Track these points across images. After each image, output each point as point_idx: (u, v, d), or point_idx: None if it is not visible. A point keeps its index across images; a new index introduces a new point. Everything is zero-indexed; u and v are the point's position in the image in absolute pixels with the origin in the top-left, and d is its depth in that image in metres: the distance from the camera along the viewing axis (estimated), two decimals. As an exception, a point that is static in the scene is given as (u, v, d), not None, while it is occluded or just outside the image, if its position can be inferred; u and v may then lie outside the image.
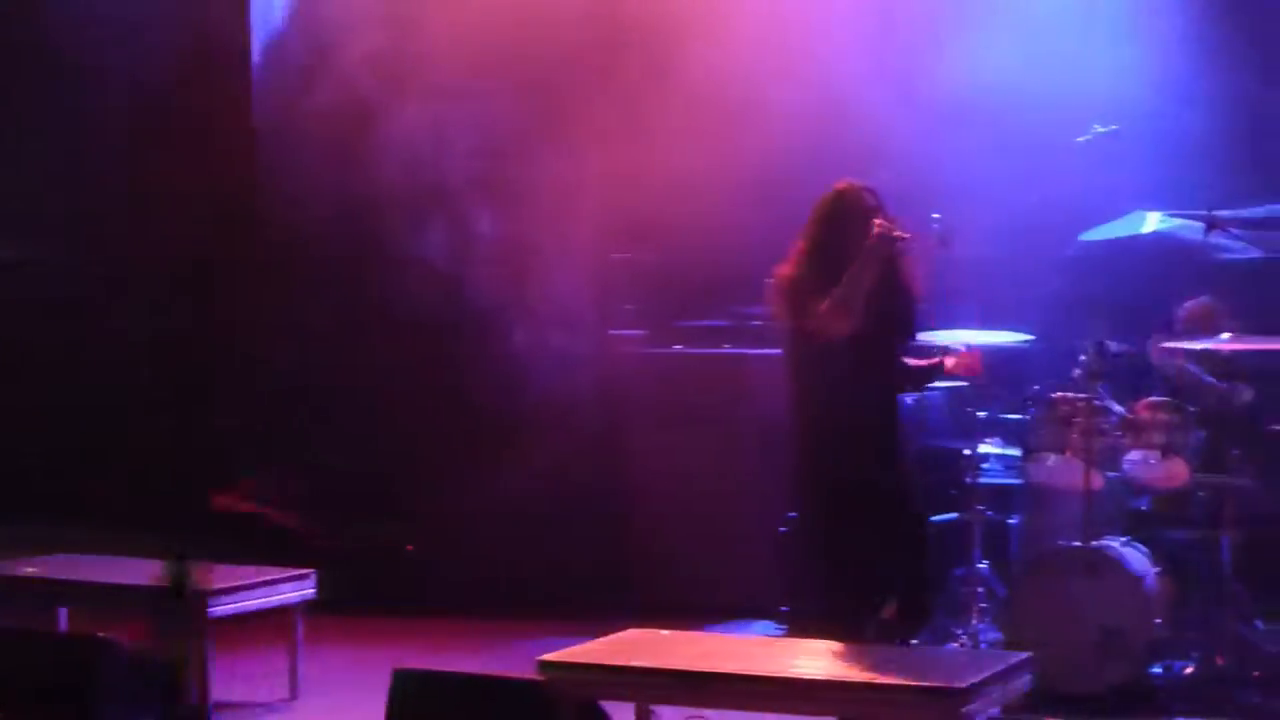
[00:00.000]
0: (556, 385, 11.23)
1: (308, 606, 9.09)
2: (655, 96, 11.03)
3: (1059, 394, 9.25)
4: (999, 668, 6.39)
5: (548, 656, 6.61)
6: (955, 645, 8.96)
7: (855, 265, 7.34)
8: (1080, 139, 9.91)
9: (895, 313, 7.52)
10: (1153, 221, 11.04)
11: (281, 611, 8.99)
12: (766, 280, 7.81)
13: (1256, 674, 8.92)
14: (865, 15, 10.91)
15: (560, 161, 11.29)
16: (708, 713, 6.86)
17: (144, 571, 8.29)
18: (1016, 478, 9.68)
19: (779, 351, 11.21)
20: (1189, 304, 9.72)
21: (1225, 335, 9.07)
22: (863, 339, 7.35)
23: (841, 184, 7.64)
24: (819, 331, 7.36)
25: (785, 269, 7.61)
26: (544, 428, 11.23)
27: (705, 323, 11.76)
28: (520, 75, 11.35)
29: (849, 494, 7.47)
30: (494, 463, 11.27)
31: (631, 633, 7.09)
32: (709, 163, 10.68)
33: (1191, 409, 9.21)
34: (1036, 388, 9.40)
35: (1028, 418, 9.36)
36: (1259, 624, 9.25)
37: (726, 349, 11.55)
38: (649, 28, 11.23)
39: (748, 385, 11.32)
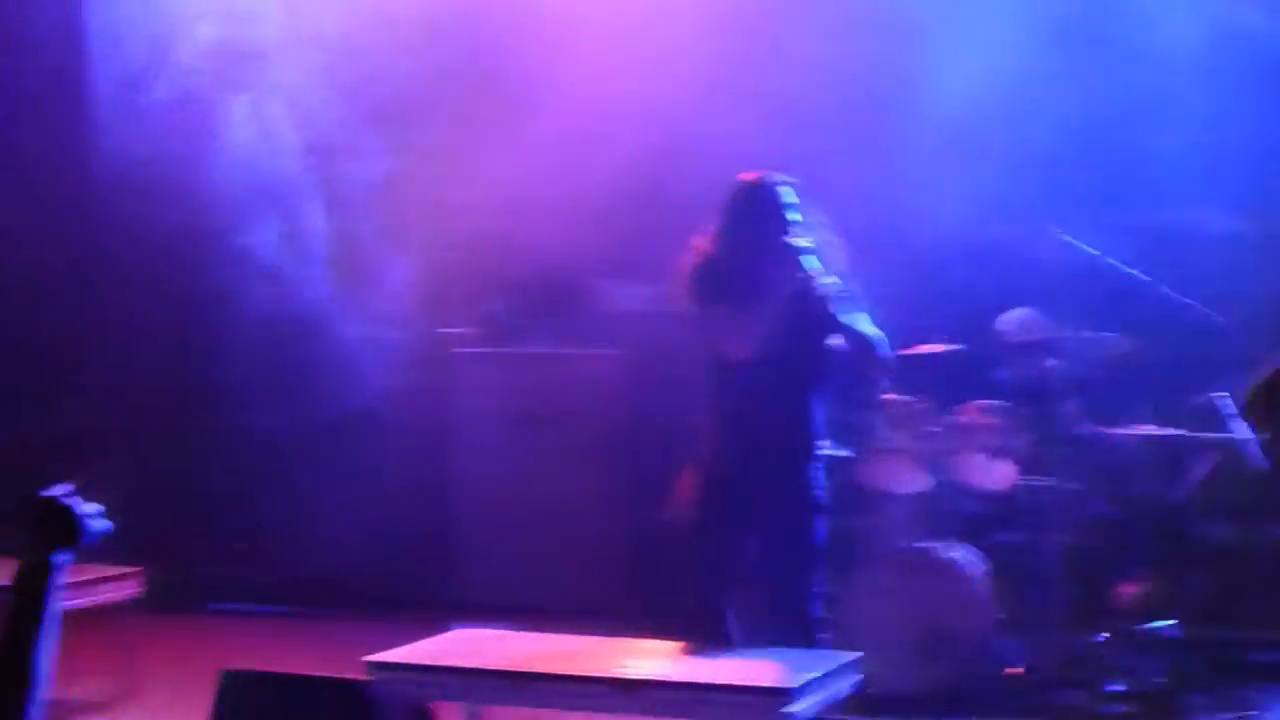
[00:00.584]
0: (388, 383, 11.20)
1: (135, 605, 8.97)
2: (494, 100, 11.04)
3: (890, 396, 9.31)
4: (827, 668, 6.40)
5: (375, 657, 6.55)
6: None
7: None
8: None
9: (808, 327, 7.30)
10: (990, 225, 11.14)
11: (109, 610, 8.87)
12: (681, 260, 7.49)
13: (1081, 675, 9.05)
14: (710, 23, 10.92)
15: (394, 161, 11.27)
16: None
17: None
18: (848, 479, 9.70)
19: (616, 351, 11.33)
20: (1008, 314, 9.87)
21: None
22: (774, 354, 7.18)
23: (757, 175, 7.43)
24: (720, 353, 7.23)
25: (694, 256, 7.36)
26: (376, 425, 11.19)
27: (541, 321, 11.73)
28: (355, 73, 11.29)
29: (728, 493, 7.34)
30: (326, 460, 11.21)
31: (461, 633, 7.05)
32: (548, 165, 10.71)
33: (1022, 412, 9.32)
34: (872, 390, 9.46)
35: (860, 420, 9.40)
36: (1086, 626, 9.39)
37: (562, 349, 11.54)
38: (490, 32, 11.23)
39: (585, 385, 11.34)
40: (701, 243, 7.36)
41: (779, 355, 7.16)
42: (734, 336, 7.15)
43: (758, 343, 7.14)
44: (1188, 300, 8.81)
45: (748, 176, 7.41)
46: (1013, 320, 9.88)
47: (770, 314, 7.15)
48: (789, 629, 7.17)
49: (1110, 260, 9.21)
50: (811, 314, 7.26)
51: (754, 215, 7.27)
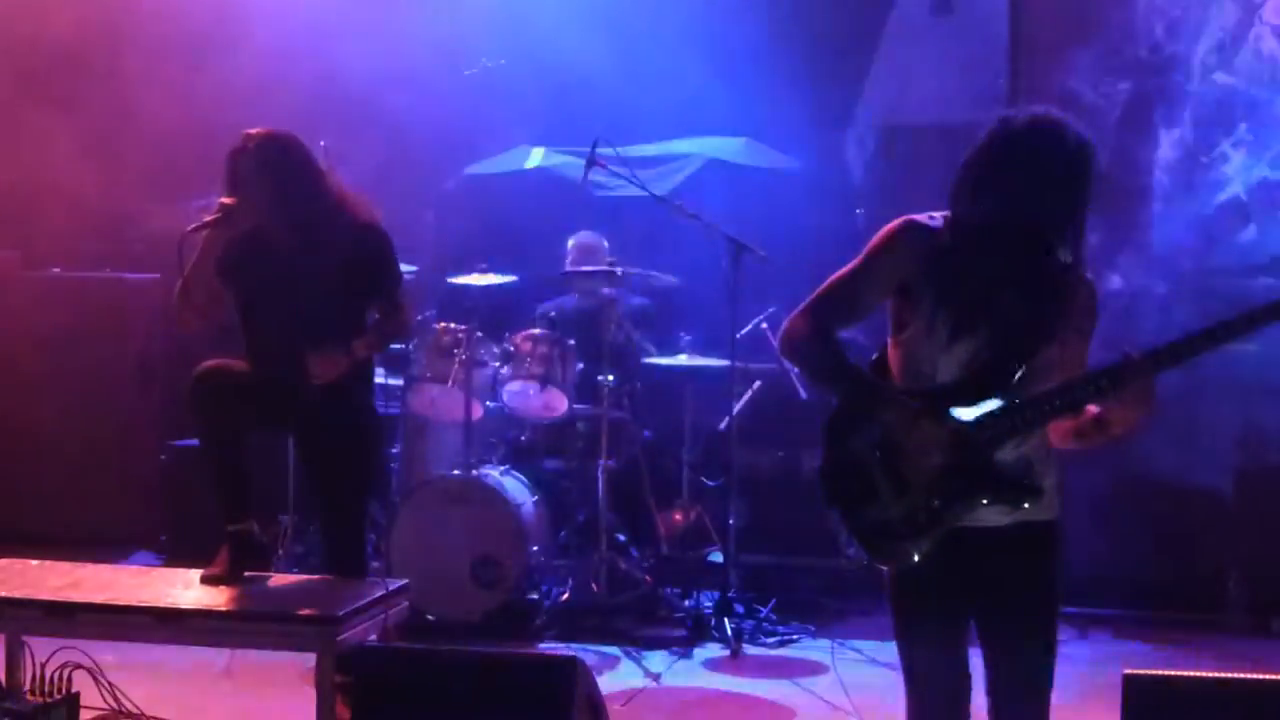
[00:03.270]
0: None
1: None
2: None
3: (441, 324, 9.32)
4: (375, 595, 6.38)
5: (-91, 587, 6.33)
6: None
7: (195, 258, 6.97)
8: (468, 72, 10.02)
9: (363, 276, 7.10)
10: (536, 156, 11.23)
11: None
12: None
13: (629, 600, 9.21)
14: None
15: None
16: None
17: None
18: (397, 408, 9.67)
19: (157, 276, 11.12)
20: (575, 236, 10.02)
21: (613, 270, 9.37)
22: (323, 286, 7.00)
23: (278, 131, 7.00)
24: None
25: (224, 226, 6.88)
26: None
27: (85, 245, 11.45)
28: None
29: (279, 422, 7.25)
30: None
31: (0, 563, 6.85)
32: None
33: (571, 341, 9.41)
34: (421, 317, 9.43)
35: (409, 348, 9.37)
36: (633, 552, 9.55)
37: (107, 273, 11.27)
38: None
39: (128, 309, 11.10)
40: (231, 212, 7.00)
41: (330, 289, 7.00)
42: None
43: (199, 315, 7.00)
44: (731, 234, 8.96)
45: (258, 135, 7.03)
46: (577, 243, 10.01)
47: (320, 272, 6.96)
48: (341, 557, 7.09)
49: (653, 191, 9.33)
50: (372, 265, 7.09)
51: (283, 173, 6.99)
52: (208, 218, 6.79)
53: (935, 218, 4.69)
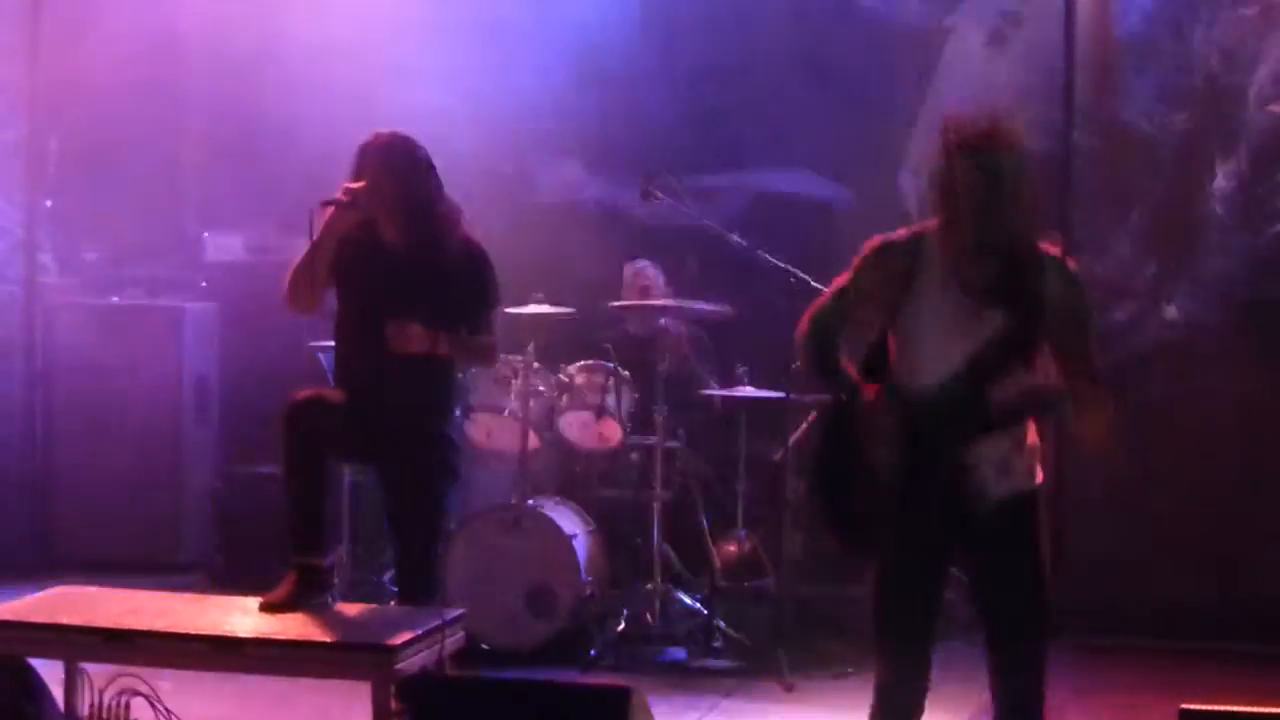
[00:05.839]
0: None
1: None
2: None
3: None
4: (431, 624, 6.38)
5: (-31, 614, 6.36)
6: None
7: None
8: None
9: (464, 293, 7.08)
10: (591, 187, 11.26)
11: None
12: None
13: (683, 631, 9.21)
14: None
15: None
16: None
17: None
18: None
19: (214, 304, 11.20)
20: (630, 265, 10.05)
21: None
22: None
23: (394, 132, 7.04)
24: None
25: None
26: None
27: (142, 272, 11.51)
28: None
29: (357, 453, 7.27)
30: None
31: (60, 590, 6.87)
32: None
33: (625, 372, 9.41)
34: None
35: (465, 377, 9.38)
36: (688, 582, 9.55)
37: (163, 300, 11.33)
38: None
39: (185, 337, 11.16)
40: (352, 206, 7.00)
41: (436, 298, 7.00)
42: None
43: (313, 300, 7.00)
44: (783, 264, 8.95)
45: (388, 133, 7.07)
46: (633, 272, 10.04)
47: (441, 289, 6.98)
48: (419, 585, 7.10)
49: (708, 223, 9.35)
50: (473, 283, 7.09)
51: (409, 173, 7.03)
52: (337, 195, 6.82)
53: (912, 230, 5.22)
